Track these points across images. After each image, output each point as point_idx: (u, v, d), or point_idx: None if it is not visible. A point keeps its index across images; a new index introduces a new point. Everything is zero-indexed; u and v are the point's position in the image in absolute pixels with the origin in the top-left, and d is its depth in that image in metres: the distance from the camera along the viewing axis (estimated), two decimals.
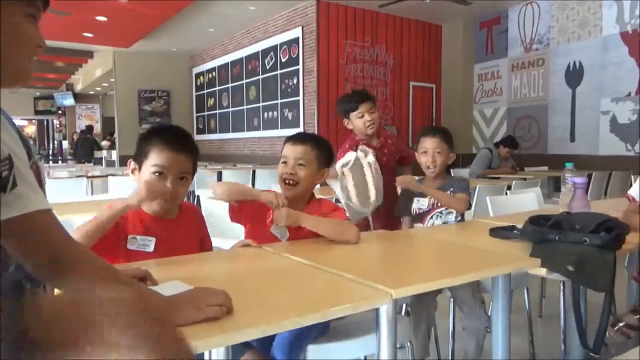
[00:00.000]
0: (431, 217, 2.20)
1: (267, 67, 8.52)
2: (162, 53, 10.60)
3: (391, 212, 2.38)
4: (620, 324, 1.60)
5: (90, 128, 14.77)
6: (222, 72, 10.10)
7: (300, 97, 7.63)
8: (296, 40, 7.64)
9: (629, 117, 6.00)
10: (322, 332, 1.44)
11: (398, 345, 1.25)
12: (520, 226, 1.66)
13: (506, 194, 3.43)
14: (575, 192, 1.93)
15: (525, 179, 4.49)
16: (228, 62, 9.83)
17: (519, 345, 2.32)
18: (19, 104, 15.88)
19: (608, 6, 6.20)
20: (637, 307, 1.55)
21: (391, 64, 7.98)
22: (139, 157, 1.45)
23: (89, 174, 4.83)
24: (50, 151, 18.68)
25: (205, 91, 10.87)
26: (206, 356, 1.08)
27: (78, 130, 15.39)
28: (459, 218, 2.17)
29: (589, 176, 4.55)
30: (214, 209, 2.15)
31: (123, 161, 9.55)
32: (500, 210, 2.55)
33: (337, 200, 2.32)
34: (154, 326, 0.59)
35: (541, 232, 1.43)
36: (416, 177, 2.33)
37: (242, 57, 9.29)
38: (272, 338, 1.38)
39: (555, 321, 2.66)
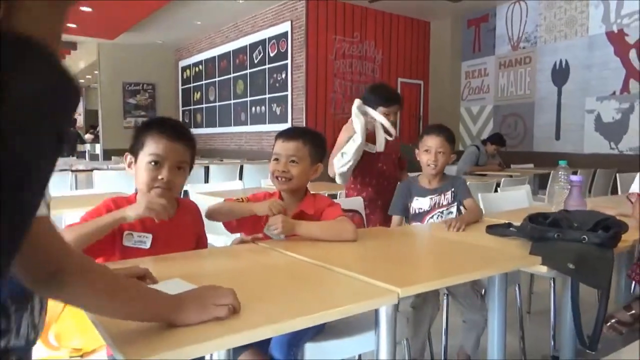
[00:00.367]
0: (431, 217, 2.20)
1: (255, 62, 8.44)
2: (148, 45, 10.44)
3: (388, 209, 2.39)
4: (613, 320, 1.62)
5: (73, 121, 14.52)
6: (209, 65, 9.98)
7: (289, 92, 7.58)
8: (285, 34, 7.58)
9: (613, 116, 6.10)
10: (319, 330, 1.43)
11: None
12: (516, 223, 1.66)
13: (496, 191, 3.46)
14: (571, 190, 1.94)
15: (511, 176, 4.52)
16: (215, 56, 9.72)
17: (510, 341, 2.31)
18: None
19: (594, 6, 6.27)
20: (630, 304, 1.57)
21: (380, 60, 7.98)
22: (135, 148, 1.41)
23: (73, 168, 4.70)
24: None
25: (192, 85, 10.74)
26: (207, 356, 1.05)
27: None
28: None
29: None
30: (205, 205, 2.11)
31: (107, 155, 9.39)
32: (491, 207, 2.56)
33: (332, 196, 2.31)
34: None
35: (540, 230, 1.44)
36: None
37: (230, 51, 9.19)
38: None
39: (544, 317, 2.70)
